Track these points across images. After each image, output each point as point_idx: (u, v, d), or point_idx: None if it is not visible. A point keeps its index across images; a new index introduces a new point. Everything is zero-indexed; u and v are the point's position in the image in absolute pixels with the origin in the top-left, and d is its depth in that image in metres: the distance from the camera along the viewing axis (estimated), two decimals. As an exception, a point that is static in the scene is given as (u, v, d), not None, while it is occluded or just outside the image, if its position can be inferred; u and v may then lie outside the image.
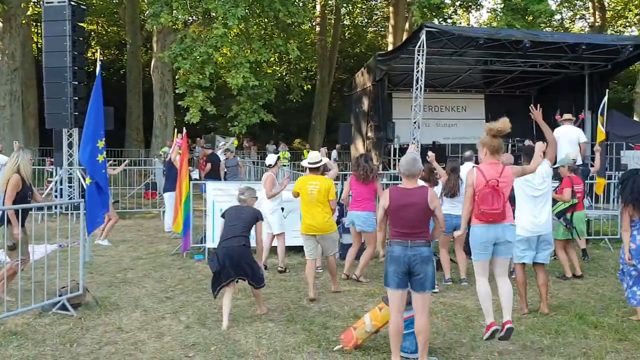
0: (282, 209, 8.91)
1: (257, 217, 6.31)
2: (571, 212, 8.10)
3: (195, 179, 11.76)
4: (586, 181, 9.34)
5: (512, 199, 5.87)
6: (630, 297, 6.25)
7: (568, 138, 11.01)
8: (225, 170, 14.32)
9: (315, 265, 7.44)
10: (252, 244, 6.30)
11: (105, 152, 7.17)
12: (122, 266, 8.71)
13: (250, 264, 6.16)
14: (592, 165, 11.47)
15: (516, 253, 6.32)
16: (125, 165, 10.34)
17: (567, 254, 8.14)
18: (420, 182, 7.48)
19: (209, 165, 12.64)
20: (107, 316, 6.26)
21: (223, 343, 5.47)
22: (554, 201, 8.08)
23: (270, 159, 9.03)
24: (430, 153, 8.25)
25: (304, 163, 7.60)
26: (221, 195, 9.49)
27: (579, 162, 10.37)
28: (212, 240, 9.43)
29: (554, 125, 15.47)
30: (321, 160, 7.45)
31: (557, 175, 8.31)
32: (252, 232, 6.29)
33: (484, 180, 5.17)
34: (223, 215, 6.46)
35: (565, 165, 8.48)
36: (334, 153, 22.90)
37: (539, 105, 6.27)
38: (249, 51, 18.88)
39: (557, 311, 6.53)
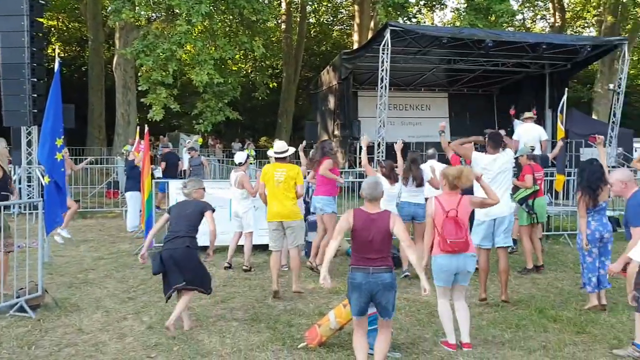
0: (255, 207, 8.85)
1: (204, 209, 5.86)
2: (533, 198, 8.29)
3: (159, 177, 11.61)
4: (546, 176, 9.53)
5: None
6: (585, 283, 6.48)
7: (531, 136, 11.28)
8: (190, 169, 14.18)
9: (280, 258, 7.37)
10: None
11: (64, 150, 7.02)
12: (83, 267, 8.54)
13: (195, 268, 5.71)
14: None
15: (477, 239, 6.47)
16: (87, 164, 10.11)
17: (529, 244, 8.29)
18: (382, 178, 7.60)
19: (163, 165, 12.54)
20: (67, 317, 6.13)
21: (186, 343, 5.41)
22: (516, 188, 8.28)
23: (240, 157, 8.90)
24: (399, 142, 8.34)
25: (270, 153, 7.55)
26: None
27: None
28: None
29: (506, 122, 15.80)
30: (288, 150, 7.42)
31: (517, 166, 8.52)
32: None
33: (442, 211, 5.30)
34: (169, 212, 6.03)
35: (524, 154, 8.68)
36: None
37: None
38: (213, 48, 18.70)
39: (517, 305, 6.66)
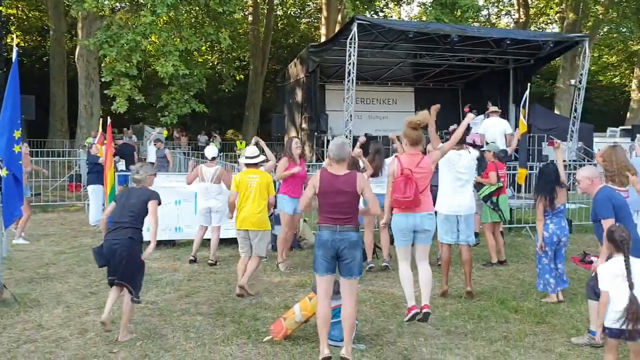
0: None
1: (149, 198, 5.40)
2: (496, 195, 8.41)
3: (122, 170, 11.43)
4: (508, 170, 9.71)
5: None
6: (544, 284, 6.60)
7: (496, 130, 11.50)
8: (155, 161, 14.01)
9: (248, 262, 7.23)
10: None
11: (25, 146, 6.84)
12: (43, 261, 8.36)
13: (130, 263, 5.25)
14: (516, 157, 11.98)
15: (440, 233, 6.60)
16: (40, 169, 9.81)
17: (493, 240, 8.44)
18: None
19: (117, 158, 12.35)
20: (27, 313, 6.00)
21: (149, 338, 5.35)
22: (481, 185, 8.40)
23: (212, 151, 8.75)
24: (361, 138, 8.39)
25: (242, 160, 7.46)
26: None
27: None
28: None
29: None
30: (259, 155, 7.34)
31: (480, 163, 8.64)
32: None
33: (400, 169, 5.37)
34: (115, 199, 5.66)
35: (491, 150, 8.79)
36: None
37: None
38: (178, 39, 18.45)
39: (480, 297, 6.77)
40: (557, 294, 6.55)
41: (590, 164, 10.97)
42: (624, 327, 4.12)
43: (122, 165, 11.98)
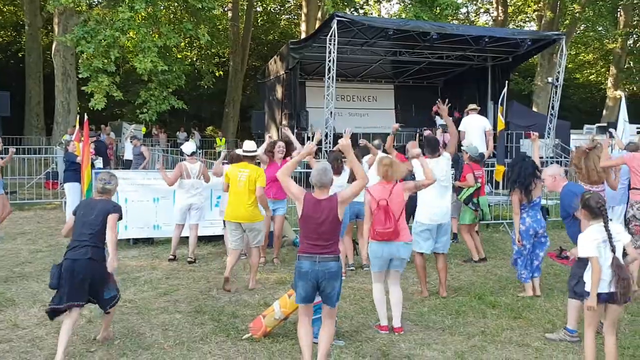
0: None
1: (109, 211, 4.98)
2: (476, 196, 8.47)
3: (99, 168, 11.30)
4: (486, 167, 9.79)
5: None
6: (521, 273, 6.71)
7: (476, 127, 11.61)
8: (132, 158, 13.87)
9: (238, 256, 7.21)
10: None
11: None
12: (19, 260, 8.25)
13: (99, 282, 4.91)
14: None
15: (418, 241, 6.58)
16: (11, 157, 9.64)
17: (472, 238, 8.50)
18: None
19: (94, 155, 12.22)
20: (2, 313, 5.93)
21: (127, 336, 5.32)
22: (460, 189, 8.45)
23: (190, 147, 8.72)
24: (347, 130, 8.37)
25: (239, 151, 7.43)
26: (126, 185, 9.17)
27: (484, 149, 10.84)
28: (117, 231, 9.11)
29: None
30: (256, 150, 7.34)
31: (455, 166, 8.72)
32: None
33: (374, 201, 5.41)
34: (74, 213, 5.15)
35: (467, 152, 8.83)
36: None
37: (446, 100, 6.56)
38: (157, 35, 18.27)
39: (458, 292, 6.85)
40: (534, 287, 6.64)
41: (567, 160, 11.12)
42: (612, 290, 4.27)
43: (99, 162, 11.85)
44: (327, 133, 15.39)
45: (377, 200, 5.40)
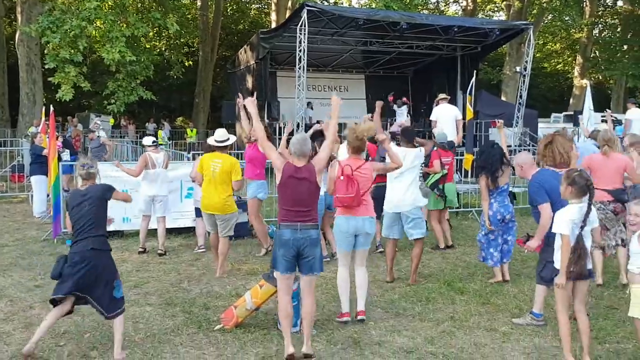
0: None
1: (103, 196, 4.87)
2: (442, 183, 8.57)
3: (66, 160, 11.11)
4: (456, 155, 9.91)
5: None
6: (488, 258, 6.82)
7: (448, 116, 11.76)
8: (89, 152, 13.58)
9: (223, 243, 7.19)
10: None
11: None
12: (-16, 255, 8.09)
13: (105, 273, 4.70)
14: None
15: (385, 229, 6.70)
16: None
17: (440, 225, 8.62)
18: None
19: (61, 147, 12.02)
20: (-33, 309, 5.81)
21: (97, 330, 5.27)
22: (427, 175, 8.54)
23: (149, 139, 8.68)
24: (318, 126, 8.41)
25: (211, 141, 7.37)
26: (95, 177, 9.05)
27: (454, 137, 10.97)
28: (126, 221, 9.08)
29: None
30: (229, 139, 7.28)
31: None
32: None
33: (340, 170, 5.43)
34: (67, 207, 5.00)
35: (436, 139, 8.92)
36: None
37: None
38: (124, 25, 17.98)
39: (428, 279, 6.95)
40: (503, 272, 6.77)
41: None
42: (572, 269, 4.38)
43: (66, 155, 11.64)
44: (298, 123, 15.38)
45: (342, 168, 5.40)
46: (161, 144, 22.42)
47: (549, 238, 4.86)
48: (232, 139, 7.44)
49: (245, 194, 8.72)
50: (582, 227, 4.39)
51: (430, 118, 12.01)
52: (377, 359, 4.69)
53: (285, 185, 4.69)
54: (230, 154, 7.48)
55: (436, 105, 12.45)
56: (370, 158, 7.93)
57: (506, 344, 5.02)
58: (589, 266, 4.52)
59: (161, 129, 25.01)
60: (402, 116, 17.69)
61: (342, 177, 5.38)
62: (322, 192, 7.72)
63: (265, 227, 8.42)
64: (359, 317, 5.50)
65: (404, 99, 18.24)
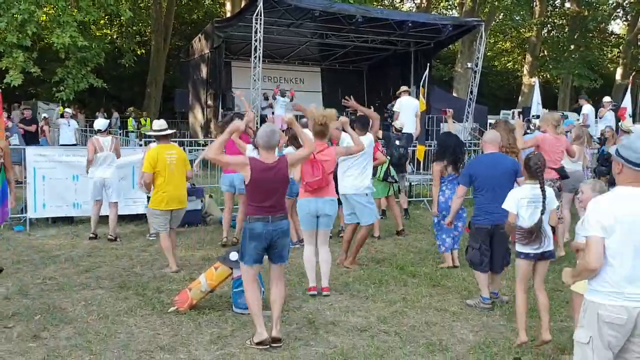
0: None
1: None
2: (389, 169, 8.74)
3: (15, 145, 10.79)
4: (409, 148, 10.10)
5: None
6: (440, 244, 7.04)
7: (409, 108, 12.02)
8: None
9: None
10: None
11: None
12: None
13: None
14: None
15: (345, 214, 6.86)
16: None
17: (391, 211, 8.81)
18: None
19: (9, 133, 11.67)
20: None
21: (48, 312, 5.18)
22: (375, 169, 8.69)
23: (102, 123, 8.50)
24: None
25: (151, 132, 7.26)
26: (44, 162, 8.86)
27: (413, 129, 11.19)
28: (34, 210, 8.80)
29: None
30: (168, 128, 7.13)
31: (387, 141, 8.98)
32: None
33: None
34: None
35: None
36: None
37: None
38: (76, 10, 17.49)
39: (381, 264, 7.09)
40: (453, 258, 6.97)
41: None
42: (541, 250, 4.58)
43: (15, 139, 11.30)
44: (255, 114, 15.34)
45: None
46: (132, 131, 21.99)
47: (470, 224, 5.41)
48: (171, 130, 7.18)
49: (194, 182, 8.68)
50: (542, 211, 4.54)
51: (393, 109, 12.28)
52: (331, 338, 4.78)
53: (255, 183, 4.55)
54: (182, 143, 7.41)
55: (398, 97, 12.72)
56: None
57: (456, 322, 5.19)
58: (550, 247, 4.67)
59: (113, 118, 24.52)
60: None
61: (307, 163, 5.53)
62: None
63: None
64: (324, 293, 5.78)
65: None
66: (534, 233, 4.53)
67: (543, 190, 4.58)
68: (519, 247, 4.67)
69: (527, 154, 4.96)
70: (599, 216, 3.11)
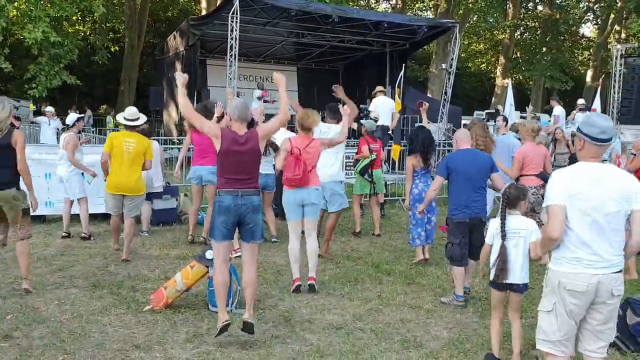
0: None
1: None
2: (372, 169, 8.82)
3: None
4: (386, 147, 10.22)
5: None
6: (414, 237, 7.14)
7: (386, 108, 12.12)
8: None
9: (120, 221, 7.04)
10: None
11: None
12: None
13: None
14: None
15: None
16: None
17: (372, 212, 8.87)
18: None
19: None
20: None
21: (20, 311, 5.11)
22: (356, 161, 8.80)
23: (71, 118, 8.45)
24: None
25: (120, 119, 7.18)
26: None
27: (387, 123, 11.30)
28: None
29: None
30: (139, 118, 7.11)
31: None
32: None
33: (290, 148, 5.75)
34: None
35: (365, 126, 9.15)
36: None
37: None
38: (48, 5, 17.21)
39: (356, 262, 7.15)
40: (423, 249, 7.07)
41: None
42: (513, 281, 4.31)
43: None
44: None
45: (292, 148, 5.73)
46: (112, 129, 21.65)
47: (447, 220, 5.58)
48: (143, 118, 7.22)
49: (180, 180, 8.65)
50: (502, 235, 4.31)
51: (369, 108, 12.36)
52: (307, 335, 4.80)
53: (226, 154, 4.52)
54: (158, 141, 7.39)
55: (373, 97, 12.80)
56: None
57: (430, 319, 5.27)
58: (519, 281, 4.36)
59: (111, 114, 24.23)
60: None
61: (290, 157, 5.69)
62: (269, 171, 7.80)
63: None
64: (309, 282, 5.84)
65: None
66: (501, 262, 4.28)
67: (503, 218, 4.34)
68: (491, 275, 4.45)
69: (507, 184, 4.75)
70: (560, 187, 3.27)
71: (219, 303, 4.62)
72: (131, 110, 7.12)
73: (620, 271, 3.30)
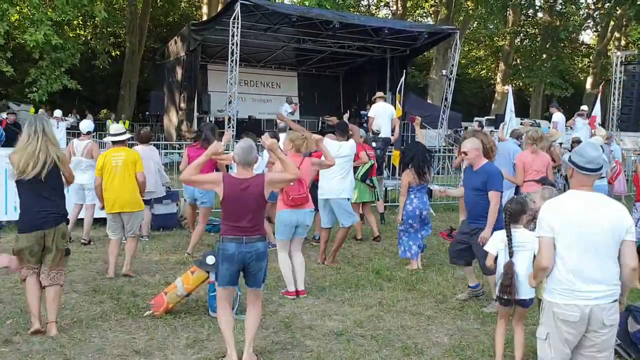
0: None
1: None
2: (371, 175, 8.83)
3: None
4: (387, 153, 10.24)
5: None
6: (406, 249, 7.19)
7: (386, 114, 12.12)
8: None
9: (119, 245, 6.79)
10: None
11: None
12: None
13: None
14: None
15: (323, 218, 7.19)
16: None
17: (367, 218, 8.90)
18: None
19: None
20: None
21: (20, 316, 5.11)
22: (355, 168, 8.80)
23: (86, 125, 8.39)
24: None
25: (108, 139, 7.21)
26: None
27: (389, 134, 11.30)
28: (5, 213, 8.65)
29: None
30: (125, 132, 7.01)
31: None
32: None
33: None
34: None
35: (362, 136, 9.20)
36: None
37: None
38: (50, 9, 17.24)
39: (357, 268, 7.15)
40: (417, 261, 7.11)
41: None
42: (520, 297, 4.31)
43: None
44: (229, 117, 15.31)
45: None
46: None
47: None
48: (128, 135, 7.07)
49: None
50: (510, 252, 4.32)
51: (369, 114, 12.37)
52: (308, 341, 4.80)
53: (228, 200, 4.32)
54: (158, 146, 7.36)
55: (373, 103, 12.80)
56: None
57: (431, 326, 5.26)
58: (525, 296, 4.37)
59: (78, 119, 24.18)
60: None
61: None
62: None
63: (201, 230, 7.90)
64: (300, 296, 5.90)
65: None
66: (508, 276, 4.28)
67: (508, 236, 4.36)
68: (496, 290, 4.46)
69: (508, 199, 4.79)
70: (549, 217, 3.31)
71: (227, 342, 4.40)
72: (116, 127, 7.07)
73: (615, 301, 3.30)
